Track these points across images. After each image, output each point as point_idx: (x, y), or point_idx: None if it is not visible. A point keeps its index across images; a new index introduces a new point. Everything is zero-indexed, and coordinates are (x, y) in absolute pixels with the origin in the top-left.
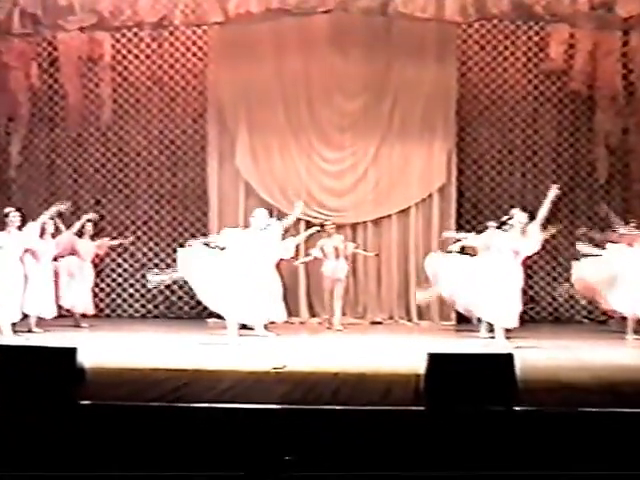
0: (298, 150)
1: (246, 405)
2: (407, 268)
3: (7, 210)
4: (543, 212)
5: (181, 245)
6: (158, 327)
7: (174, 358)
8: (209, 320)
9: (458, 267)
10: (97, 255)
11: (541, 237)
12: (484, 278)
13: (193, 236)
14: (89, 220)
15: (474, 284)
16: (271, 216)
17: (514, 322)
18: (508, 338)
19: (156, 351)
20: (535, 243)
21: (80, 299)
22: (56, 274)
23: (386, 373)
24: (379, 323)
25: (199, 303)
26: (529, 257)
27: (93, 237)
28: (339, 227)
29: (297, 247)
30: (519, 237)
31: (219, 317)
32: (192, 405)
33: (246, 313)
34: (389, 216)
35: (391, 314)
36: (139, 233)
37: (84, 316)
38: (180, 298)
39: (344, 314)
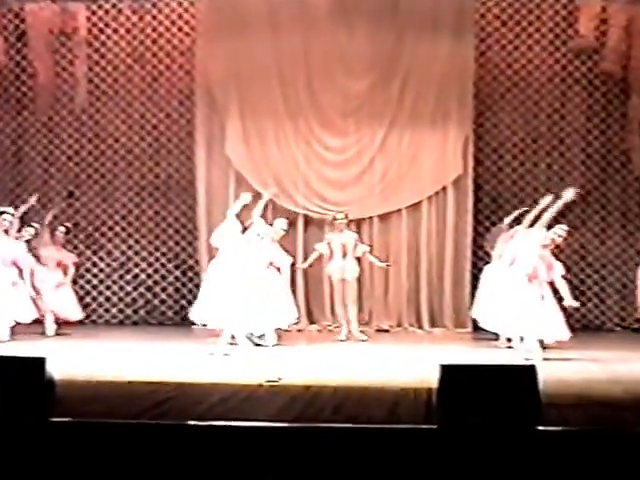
0: (296, 137)
1: (237, 422)
2: (418, 269)
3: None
4: (548, 216)
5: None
6: (138, 334)
7: (156, 369)
8: (195, 326)
9: (497, 300)
10: (59, 264)
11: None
12: (511, 295)
13: (177, 232)
14: (63, 225)
15: (509, 306)
16: (265, 209)
17: (564, 334)
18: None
19: (136, 361)
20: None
21: (62, 305)
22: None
23: (394, 387)
24: (386, 331)
25: (183, 308)
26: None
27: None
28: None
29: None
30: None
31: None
32: (177, 423)
33: (246, 322)
34: (398, 211)
35: (399, 321)
36: (117, 229)
37: (58, 324)
38: (163, 302)
39: (347, 321)
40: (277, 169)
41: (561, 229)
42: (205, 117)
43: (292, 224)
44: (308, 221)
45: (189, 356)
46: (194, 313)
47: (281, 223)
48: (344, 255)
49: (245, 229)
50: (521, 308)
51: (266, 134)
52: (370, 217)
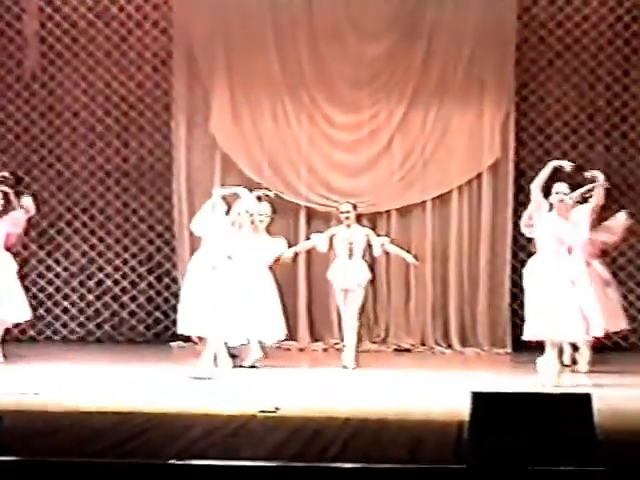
0: (297, 112)
1: (225, 461)
2: (446, 275)
3: None
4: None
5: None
6: (103, 354)
7: (126, 397)
8: (173, 344)
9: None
10: (8, 237)
11: (587, 222)
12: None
13: (151, 228)
14: None
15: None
16: (260, 201)
17: (591, 331)
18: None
19: (100, 387)
20: (583, 230)
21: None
22: None
23: (416, 419)
24: (407, 351)
25: (158, 321)
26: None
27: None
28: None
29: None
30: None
31: (186, 339)
32: (150, 462)
33: (226, 331)
34: (422, 204)
35: (423, 338)
36: (77, 224)
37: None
38: (133, 314)
39: (359, 339)
40: (274, 151)
41: (560, 186)
42: (185, 86)
43: (293, 219)
44: (311, 215)
45: (165, 380)
46: (180, 325)
47: (263, 208)
48: (350, 256)
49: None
50: (545, 305)
51: (260, 108)
52: (387, 211)
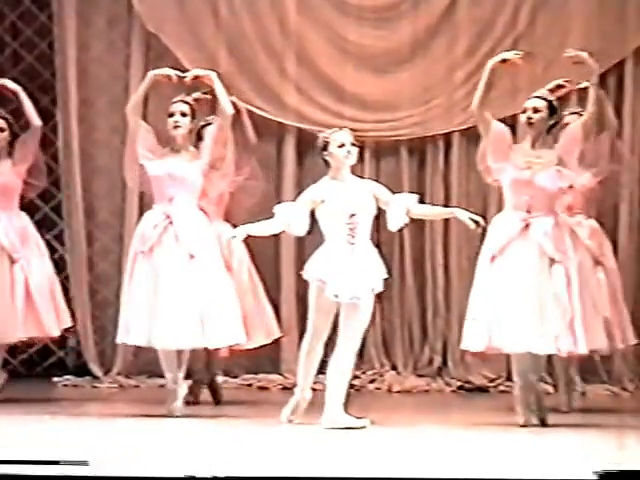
0: None
1: None
2: None
3: None
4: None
5: None
6: None
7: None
8: (58, 379)
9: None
10: None
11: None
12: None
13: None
14: None
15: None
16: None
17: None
18: None
19: None
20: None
21: None
22: None
23: None
24: (481, 390)
25: (47, 354)
26: None
27: None
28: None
29: None
30: None
31: (80, 372)
32: None
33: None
34: (513, 118)
35: (510, 367)
36: None
37: None
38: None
39: (393, 368)
40: (239, 32)
41: (534, 99)
42: None
43: (275, 149)
44: (305, 143)
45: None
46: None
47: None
48: (353, 237)
49: None
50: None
51: None
52: (445, 135)
